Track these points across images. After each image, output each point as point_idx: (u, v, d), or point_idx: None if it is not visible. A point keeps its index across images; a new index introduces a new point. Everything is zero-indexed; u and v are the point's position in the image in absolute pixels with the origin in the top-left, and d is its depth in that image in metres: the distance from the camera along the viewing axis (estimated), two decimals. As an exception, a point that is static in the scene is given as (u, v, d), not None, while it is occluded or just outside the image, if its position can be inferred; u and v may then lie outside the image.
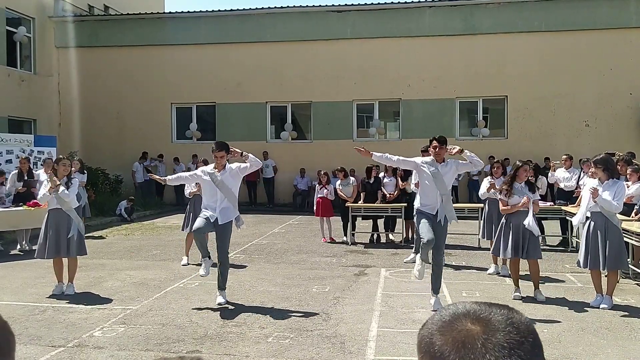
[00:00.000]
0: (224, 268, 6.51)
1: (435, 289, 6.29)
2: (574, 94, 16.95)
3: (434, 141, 6.37)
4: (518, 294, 6.65)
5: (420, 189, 6.56)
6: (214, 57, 18.50)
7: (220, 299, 6.44)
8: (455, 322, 0.92)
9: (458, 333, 0.90)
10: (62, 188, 6.82)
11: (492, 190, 8.00)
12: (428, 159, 6.43)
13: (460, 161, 6.45)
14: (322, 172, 11.58)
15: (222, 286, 6.51)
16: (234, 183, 6.63)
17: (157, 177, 7.13)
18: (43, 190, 6.92)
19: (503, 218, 6.80)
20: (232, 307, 6.35)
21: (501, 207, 6.79)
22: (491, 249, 7.25)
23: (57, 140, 15.06)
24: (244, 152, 6.61)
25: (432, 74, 17.52)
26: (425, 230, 6.18)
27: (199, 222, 6.43)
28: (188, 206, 9.12)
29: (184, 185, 9.06)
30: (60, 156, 7.49)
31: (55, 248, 6.90)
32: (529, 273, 6.76)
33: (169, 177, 7.27)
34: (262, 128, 18.65)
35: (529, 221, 6.43)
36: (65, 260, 7.06)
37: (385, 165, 10.63)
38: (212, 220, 6.43)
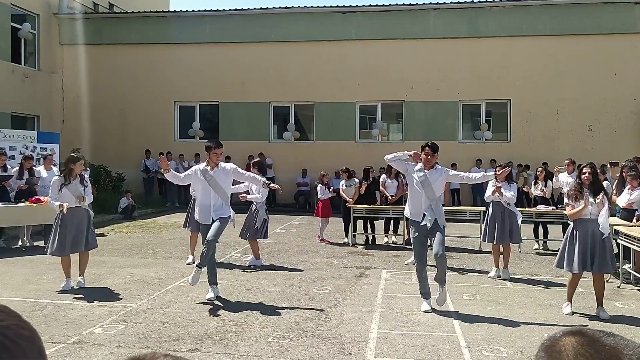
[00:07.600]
0: (208, 251, 6.44)
1: (441, 280, 6.17)
2: (578, 99, 16.92)
3: (426, 147, 6.32)
4: (569, 309, 6.22)
5: (409, 194, 6.61)
6: (218, 57, 18.52)
7: (210, 294, 6.54)
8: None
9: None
10: (88, 199, 7.11)
11: (497, 193, 8.01)
12: (419, 165, 6.38)
13: (452, 172, 6.59)
14: (322, 173, 11.82)
15: (211, 279, 6.60)
16: (226, 181, 6.71)
17: (165, 163, 6.82)
18: (56, 197, 6.97)
19: (570, 227, 6.25)
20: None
21: (567, 211, 6.27)
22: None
23: (60, 137, 15.07)
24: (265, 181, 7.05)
25: (435, 76, 17.51)
26: (416, 249, 6.40)
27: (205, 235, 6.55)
28: (191, 203, 9.10)
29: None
30: (75, 155, 7.43)
31: (76, 244, 6.99)
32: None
33: (172, 171, 7.02)
34: (265, 128, 18.66)
35: (602, 222, 5.94)
36: (74, 255, 7.13)
37: (388, 167, 10.64)
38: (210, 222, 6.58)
